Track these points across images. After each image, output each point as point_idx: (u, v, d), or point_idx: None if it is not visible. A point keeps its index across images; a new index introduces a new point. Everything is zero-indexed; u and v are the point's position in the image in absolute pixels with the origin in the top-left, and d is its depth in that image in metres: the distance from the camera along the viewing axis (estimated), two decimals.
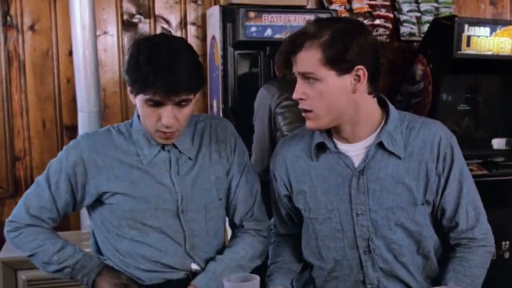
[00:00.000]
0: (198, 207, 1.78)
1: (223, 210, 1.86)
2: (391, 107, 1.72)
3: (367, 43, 1.60)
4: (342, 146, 1.71)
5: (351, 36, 1.58)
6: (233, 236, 1.89)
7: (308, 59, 1.59)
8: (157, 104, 1.61)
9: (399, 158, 1.67)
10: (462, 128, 3.72)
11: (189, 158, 1.78)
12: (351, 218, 1.69)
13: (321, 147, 1.73)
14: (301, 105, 1.65)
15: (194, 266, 1.79)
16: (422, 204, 1.68)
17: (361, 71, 1.60)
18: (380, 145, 1.67)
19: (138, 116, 1.76)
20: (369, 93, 1.65)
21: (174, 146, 1.76)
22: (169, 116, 1.62)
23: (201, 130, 1.83)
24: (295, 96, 1.64)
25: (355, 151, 1.69)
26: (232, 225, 1.91)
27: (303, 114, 1.67)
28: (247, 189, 1.87)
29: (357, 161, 1.69)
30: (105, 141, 1.75)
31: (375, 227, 1.67)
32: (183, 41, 1.74)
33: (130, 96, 1.71)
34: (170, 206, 1.74)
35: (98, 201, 1.76)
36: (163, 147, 1.75)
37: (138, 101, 1.66)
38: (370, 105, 1.69)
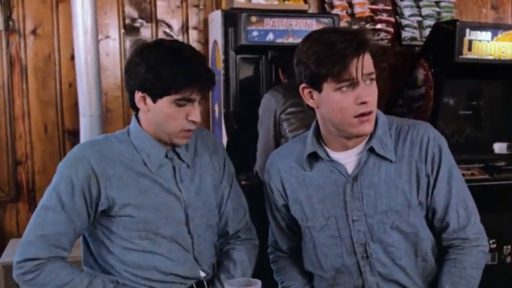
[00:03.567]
0: (202, 214, 1.79)
1: (218, 218, 1.87)
2: (379, 112, 1.72)
3: None
4: (334, 155, 1.71)
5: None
6: (230, 247, 1.89)
7: (370, 59, 1.59)
8: (188, 102, 1.66)
9: (391, 161, 1.67)
10: (464, 132, 3.72)
11: (188, 166, 1.79)
12: (347, 225, 1.70)
13: (314, 157, 1.74)
14: (368, 108, 1.59)
15: (202, 274, 1.79)
16: (417, 206, 1.69)
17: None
18: (371, 150, 1.68)
19: (138, 122, 1.75)
20: None
21: (175, 152, 1.77)
22: (198, 111, 1.68)
23: (193, 140, 1.83)
24: (365, 98, 1.57)
25: (347, 158, 1.70)
26: (224, 234, 1.90)
27: (364, 118, 1.60)
28: (237, 199, 1.90)
29: (350, 168, 1.70)
30: (110, 150, 1.71)
31: (371, 232, 1.68)
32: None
33: (141, 104, 1.69)
34: (179, 214, 1.74)
35: (103, 215, 1.70)
36: (166, 155, 1.75)
37: (162, 103, 1.66)
38: None
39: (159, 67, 1.63)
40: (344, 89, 1.57)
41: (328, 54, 1.54)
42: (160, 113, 1.67)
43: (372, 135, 1.68)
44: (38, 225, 1.65)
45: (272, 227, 1.91)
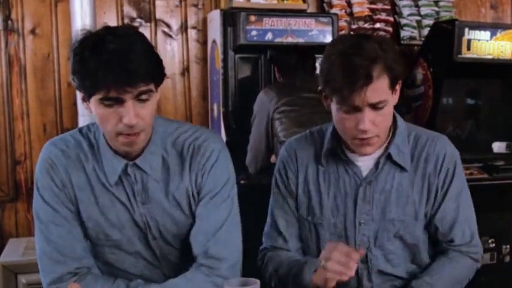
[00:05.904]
0: (167, 230, 1.62)
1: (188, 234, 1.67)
2: (399, 118, 1.71)
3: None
4: (351, 155, 1.69)
5: (396, 52, 1.56)
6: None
7: (380, 88, 1.52)
8: (115, 102, 1.41)
9: (405, 170, 1.67)
10: (462, 131, 3.73)
11: (156, 180, 1.58)
12: (353, 226, 1.69)
13: (331, 154, 1.72)
14: (369, 134, 1.57)
15: None
16: (423, 218, 1.68)
17: (399, 83, 1.60)
18: (388, 157, 1.67)
19: None
20: None
21: (137, 166, 1.56)
22: (131, 112, 1.41)
23: (180, 145, 1.62)
24: (363, 127, 1.53)
25: (363, 161, 1.68)
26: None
27: (363, 142, 1.59)
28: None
29: (365, 171, 1.68)
30: (76, 158, 1.59)
31: (375, 237, 1.68)
32: (131, 28, 1.53)
33: (84, 105, 1.50)
34: (141, 232, 1.61)
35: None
36: (125, 168, 1.56)
37: (92, 105, 1.45)
38: None
39: (82, 61, 1.39)
40: (343, 113, 1.56)
41: (339, 80, 1.50)
42: (96, 114, 1.46)
43: (390, 142, 1.67)
44: (50, 242, 1.55)
45: (281, 224, 1.77)
